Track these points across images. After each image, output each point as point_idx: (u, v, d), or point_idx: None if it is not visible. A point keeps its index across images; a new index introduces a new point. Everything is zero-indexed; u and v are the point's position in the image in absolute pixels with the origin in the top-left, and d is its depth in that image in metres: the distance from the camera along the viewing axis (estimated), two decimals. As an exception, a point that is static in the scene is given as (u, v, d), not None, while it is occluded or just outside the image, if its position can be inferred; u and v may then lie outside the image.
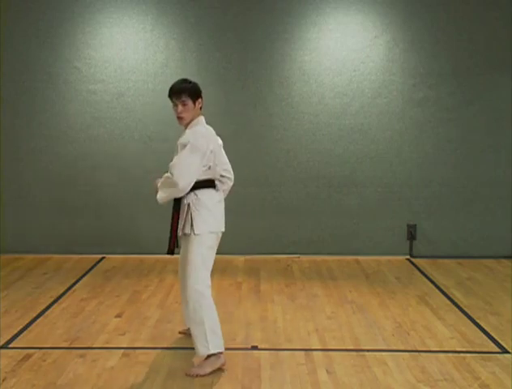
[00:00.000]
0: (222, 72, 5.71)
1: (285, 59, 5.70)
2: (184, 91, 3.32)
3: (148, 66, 5.72)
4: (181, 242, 3.46)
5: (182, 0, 5.65)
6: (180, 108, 3.34)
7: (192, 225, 3.27)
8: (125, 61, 5.71)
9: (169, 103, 5.80)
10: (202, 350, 3.28)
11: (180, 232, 3.35)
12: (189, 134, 3.29)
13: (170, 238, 3.38)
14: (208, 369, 3.29)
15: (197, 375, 3.26)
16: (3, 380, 3.20)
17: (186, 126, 3.39)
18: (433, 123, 5.74)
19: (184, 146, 3.25)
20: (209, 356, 3.32)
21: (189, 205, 3.31)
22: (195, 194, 3.32)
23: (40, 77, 5.71)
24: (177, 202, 3.37)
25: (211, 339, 3.27)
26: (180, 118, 3.38)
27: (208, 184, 3.38)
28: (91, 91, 5.73)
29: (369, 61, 5.68)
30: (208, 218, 3.32)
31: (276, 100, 5.74)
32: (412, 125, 5.74)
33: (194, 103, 3.35)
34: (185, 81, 3.39)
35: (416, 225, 5.83)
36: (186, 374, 3.27)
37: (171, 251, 3.39)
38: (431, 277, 5.17)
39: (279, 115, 5.75)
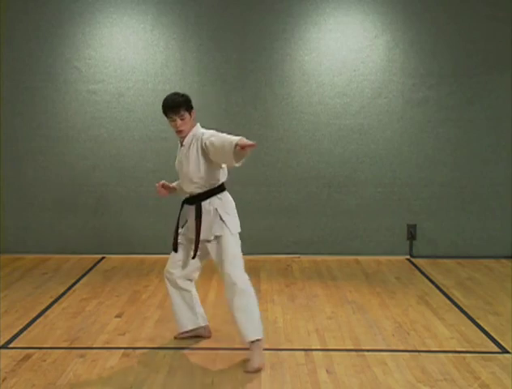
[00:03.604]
0: (222, 72, 5.71)
1: (285, 59, 5.70)
2: (181, 106, 3.41)
3: (148, 66, 5.72)
4: (206, 245, 3.52)
5: (182, 0, 5.65)
6: (179, 122, 3.42)
7: (226, 227, 3.41)
8: (125, 61, 5.71)
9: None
10: (253, 334, 3.36)
11: (211, 237, 3.44)
12: (202, 131, 3.44)
13: (196, 244, 3.47)
14: (262, 359, 3.36)
15: (258, 368, 3.30)
16: (3, 380, 3.20)
17: (185, 137, 3.47)
18: (433, 123, 5.74)
19: (210, 132, 3.38)
20: (252, 344, 3.37)
21: (216, 210, 3.43)
22: (219, 198, 3.47)
23: (40, 77, 5.72)
24: (198, 209, 3.44)
25: (258, 325, 3.39)
26: (180, 131, 3.46)
27: (224, 187, 3.53)
28: (91, 91, 5.73)
29: (369, 61, 5.68)
30: (235, 219, 3.50)
31: (276, 100, 5.74)
32: (412, 125, 5.74)
33: (190, 114, 3.46)
34: (177, 95, 3.45)
35: (416, 225, 5.83)
36: (248, 372, 3.29)
37: (195, 256, 3.52)
38: (431, 277, 5.17)
39: (279, 115, 5.75)
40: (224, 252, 3.41)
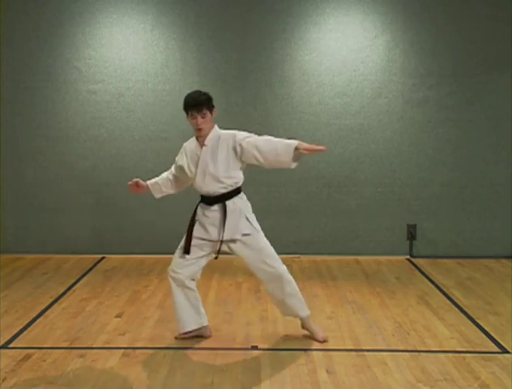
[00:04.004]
0: (222, 72, 5.71)
1: (285, 59, 5.70)
2: (204, 104, 3.46)
3: (148, 66, 5.72)
4: (229, 245, 3.57)
5: (182, 0, 5.65)
6: (200, 120, 3.46)
7: (252, 225, 3.56)
8: (125, 61, 5.71)
9: (169, 102, 5.85)
10: (306, 311, 3.72)
11: (237, 236, 3.51)
12: (230, 132, 3.55)
13: (220, 244, 3.53)
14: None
15: (325, 335, 3.73)
16: (3, 380, 3.20)
17: (205, 136, 3.52)
18: (433, 123, 5.74)
19: (244, 134, 3.54)
20: (304, 319, 3.74)
21: (241, 210, 3.54)
22: (241, 198, 3.59)
23: (40, 77, 5.72)
24: (224, 209, 3.49)
25: (304, 303, 3.72)
26: (200, 130, 3.49)
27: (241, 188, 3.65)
28: (91, 91, 5.73)
29: (369, 61, 5.68)
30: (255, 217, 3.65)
31: (276, 100, 5.74)
32: (412, 125, 5.74)
33: (211, 113, 3.52)
34: (200, 93, 3.51)
35: (416, 225, 5.83)
36: (322, 341, 3.67)
37: (217, 256, 3.64)
38: (431, 277, 5.17)
39: (279, 115, 5.75)
40: (260, 249, 3.55)
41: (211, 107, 3.50)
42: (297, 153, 3.34)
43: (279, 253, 5.76)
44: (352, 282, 5.02)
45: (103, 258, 5.80)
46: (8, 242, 5.88)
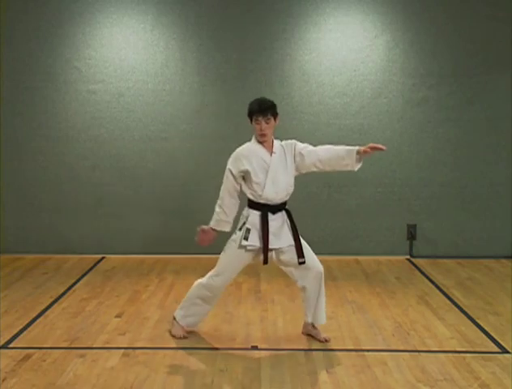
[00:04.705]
0: (222, 72, 5.71)
1: (285, 59, 5.70)
2: (269, 109, 3.52)
3: (148, 66, 5.72)
4: (282, 249, 3.60)
5: (182, 0, 5.65)
6: (264, 125, 3.51)
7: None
8: (125, 61, 5.71)
9: (169, 102, 5.84)
10: (324, 318, 3.73)
11: (292, 241, 3.59)
12: (289, 141, 3.65)
13: (299, 248, 3.59)
14: None
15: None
16: (3, 380, 3.19)
17: (269, 143, 3.57)
18: (433, 123, 5.74)
19: (302, 143, 3.64)
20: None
21: None
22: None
23: (40, 77, 5.71)
24: (288, 216, 3.59)
25: None
26: (263, 135, 3.52)
27: None
28: (91, 91, 5.73)
29: (369, 61, 5.68)
30: None
31: (276, 100, 5.62)
32: (412, 125, 5.74)
33: (275, 120, 3.58)
34: (265, 99, 3.59)
35: (416, 225, 5.83)
36: (325, 341, 3.67)
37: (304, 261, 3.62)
38: (431, 277, 5.17)
39: (279, 115, 5.73)
40: (307, 251, 3.62)
41: (275, 113, 3.54)
42: (358, 157, 3.51)
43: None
44: (352, 282, 5.02)
45: (103, 258, 5.80)
46: (8, 242, 5.88)
